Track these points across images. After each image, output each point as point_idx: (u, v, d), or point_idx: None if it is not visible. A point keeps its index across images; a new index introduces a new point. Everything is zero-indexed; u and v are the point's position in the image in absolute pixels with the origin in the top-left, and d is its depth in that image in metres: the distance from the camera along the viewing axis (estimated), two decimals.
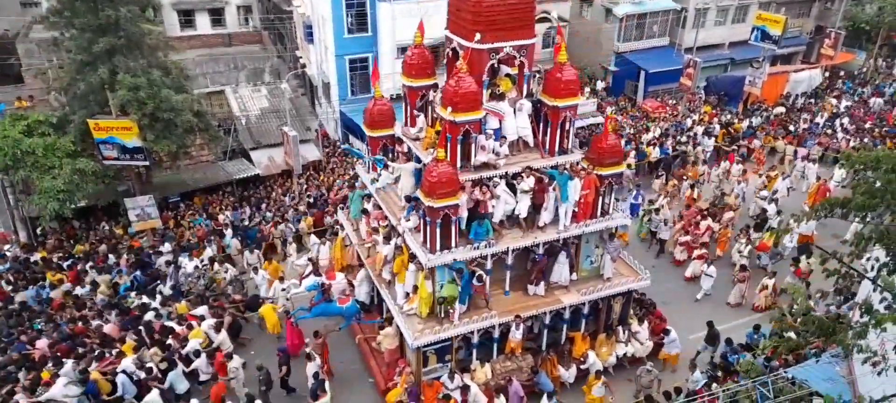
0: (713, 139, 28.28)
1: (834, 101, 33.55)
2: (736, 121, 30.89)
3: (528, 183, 13.48)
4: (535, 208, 13.87)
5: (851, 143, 26.86)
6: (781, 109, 32.50)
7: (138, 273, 18.85)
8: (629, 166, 24.99)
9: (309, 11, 31.72)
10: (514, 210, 13.69)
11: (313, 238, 20.12)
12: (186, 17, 38.08)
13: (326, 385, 14.05)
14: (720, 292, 18.64)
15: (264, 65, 35.78)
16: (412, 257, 13.71)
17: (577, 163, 14.12)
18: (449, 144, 12.89)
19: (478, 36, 12.77)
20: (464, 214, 13.17)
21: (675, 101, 35.07)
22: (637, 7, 35.19)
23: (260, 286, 18.42)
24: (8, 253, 21.14)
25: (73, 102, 22.10)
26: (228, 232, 21.22)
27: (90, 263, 19.54)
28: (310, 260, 18.14)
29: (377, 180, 15.20)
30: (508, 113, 13.58)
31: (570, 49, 37.24)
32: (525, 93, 13.89)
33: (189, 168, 26.17)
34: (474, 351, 14.49)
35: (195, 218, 23.32)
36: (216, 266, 19.19)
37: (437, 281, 13.55)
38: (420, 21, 14.49)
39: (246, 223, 22.51)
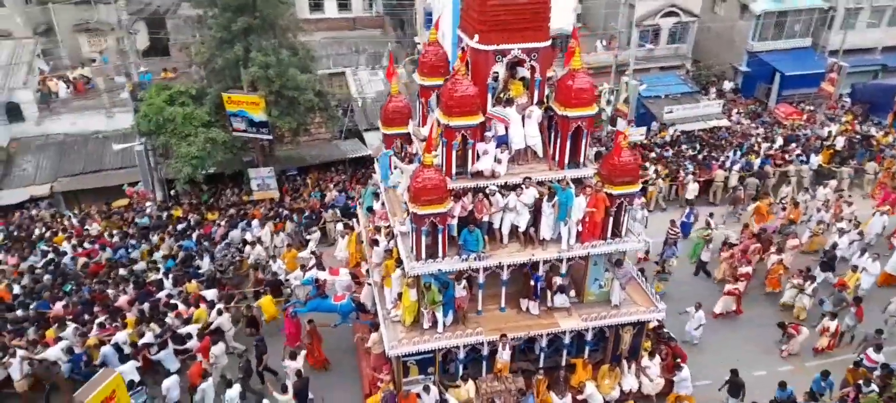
0: (818, 158, 24.66)
1: None
2: (878, 132, 27.65)
3: (530, 194, 12.53)
4: (536, 223, 12.88)
5: None
6: None
7: (185, 243, 19.49)
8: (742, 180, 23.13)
9: None
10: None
11: (339, 227, 19.76)
12: (316, 2, 39.84)
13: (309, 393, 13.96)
14: (766, 333, 16.55)
15: (384, 49, 36.80)
16: (400, 262, 13.13)
17: (589, 179, 12.91)
18: (444, 149, 12.16)
19: (476, 36, 11.94)
20: (454, 223, 12.43)
21: (813, 108, 32.21)
22: (778, 4, 32.61)
23: (280, 272, 18.20)
24: (148, 210, 23.25)
25: (210, 76, 23.80)
26: (328, 212, 21.69)
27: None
28: (313, 253, 17.94)
29: (388, 178, 14.64)
30: (515, 120, 12.55)
31: (699, 45, 35.49)
32: (536, 99, 12.83)
33: (307, 144, 27.44)
34: (461, 367, 13.70)
35: (312, 192, 24.40)
36: (248, 248, 19.15)
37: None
38: (437, 17, 13.73)
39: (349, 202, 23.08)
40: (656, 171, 23.70)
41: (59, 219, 23.15)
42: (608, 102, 29.73)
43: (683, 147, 27.14)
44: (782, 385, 13.92)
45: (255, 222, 20.58)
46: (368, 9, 41.50)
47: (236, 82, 22.27)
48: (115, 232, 21.42)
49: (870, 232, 19.67)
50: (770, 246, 18.81)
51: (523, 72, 12.81)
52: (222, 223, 21.07)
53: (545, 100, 12.86)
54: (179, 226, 20.96)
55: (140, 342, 14.40)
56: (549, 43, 12.41)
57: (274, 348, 15.20)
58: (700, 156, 25.57)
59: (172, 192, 24.67)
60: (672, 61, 33.97)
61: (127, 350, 14.27)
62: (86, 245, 20.06)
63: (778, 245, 18.75)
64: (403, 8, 39.17)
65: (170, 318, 15.29)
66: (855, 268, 17.49)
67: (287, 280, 17.63)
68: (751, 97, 34.59)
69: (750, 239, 18.90)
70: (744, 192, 22.56)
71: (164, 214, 22.62)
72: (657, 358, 14.70)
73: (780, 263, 18.00)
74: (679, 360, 14.89)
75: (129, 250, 19.56)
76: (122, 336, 14.40)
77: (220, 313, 15.59)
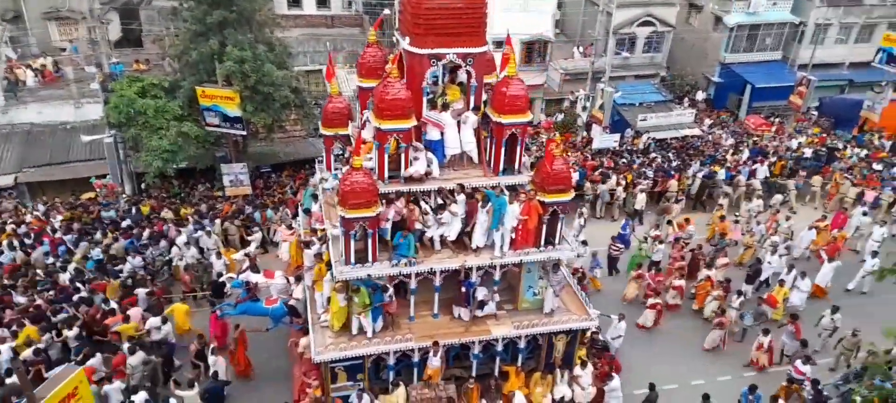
0: (767, 168, 25.02)
1: None
2: (841, 147, 28.34)
3: (461, 201, 12.53)
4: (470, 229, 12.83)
5: None
6: (886, 143, 28.98)
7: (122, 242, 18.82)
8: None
9: None
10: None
11: (280, 232, 19.20)
12: None
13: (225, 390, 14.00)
14: (695, 338, 17.12)
15: (362, 48, 36.63)
16: (330, 266, 13.01)
17: (524, 186, 12.94)
18: (377, 153, 12.11)
19: (407, 39, 11.90)
20: (387, 227, 12.38)
21: (780, 120, 32.95)
22: (750, 17, 33.31)
23: (224, 273, 17.65)
24: (119, 205, 22.76)
25: (184, 69, 23.43)
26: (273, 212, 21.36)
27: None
28: (246, 255, 17.68)
29: (326, 180, 14.54)
30: (450, 124, 12.56)
31: (673, 55, 36.11)
32: (473, 105, 12.79)
33: (281, 141, 27.19)
34: (392, 374, 13.59)
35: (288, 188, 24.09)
36: (175, 248, 18.63)
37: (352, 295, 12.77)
38: (379, 18, 13.79)
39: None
40: (617, 181, 23.69)
41: (21, 212, 22.50)
42: (584, 108, 30.05)
43: (653, 155, 27.47)
44: (705, 398, 14.08)
45: (217, 222, 20.22)
46: (348, 7, 41.26)
47: (210, 76, 21.96)
48: (74, 224, 20.69)
49: (799, 245, 19.89)
50: (699, 261, 18.97)
51: (462, 77, 12.66)
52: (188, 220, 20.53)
53: (482, 105, 12.75)
54: (123, 223, 20.26)
55: (26, 353, 13.69)
56: (485, 48, 12.35)
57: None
58: (665, 165, 25.83)
59: (142, 186, 24.22)
60: (647, 70, 34.46)
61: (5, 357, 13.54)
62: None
63: (708, 260, 18.83)
64: (383, 7, 39.06)
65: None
66: (782, 283, 17.76)
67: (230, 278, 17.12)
68: (722, 108, 35.24)
69: (679, 253, 19.08)
70: (673, 203, 22.73)
71: (133, 209, 22.16)
72: (589, 367, 14.70)
73: (708, 279, 18.02)
74: (613, 370, 15.03)
75: (75, 247, 18.87)
76: (4, 347, 13.78)
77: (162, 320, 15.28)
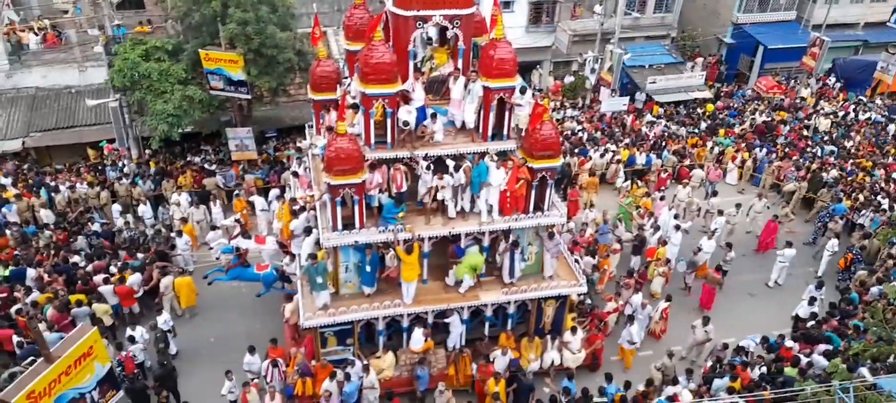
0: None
1: None
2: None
3: (459, 172, 12.45)
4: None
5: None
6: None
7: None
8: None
9: None
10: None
11: (272, 193, 19.51)
12: None
13: None
14: None
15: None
16: (308, 230, 13.11)
17: (513, 152, 12.81)
18: (363, 118, 11.96)
19: (389, 0, 11.61)
20: (374, 193, 12.33)
21: (792, 83, 32.39)
22: None
23: (184, 251, 17.97)
24: (125, 169, 22.79)
25: (187, 31, 23.12)
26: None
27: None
28: (237, 221, 17.70)
29: (314, 145, 14.38)
30: (458, 98, 12.43)
31: (685, 16, 35.33)
32: (461, 69, 12.59)
33: (287, 105, 26.95)
34: (381, 339, 13.74)
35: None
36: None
37: (341, 262, 12.81)
38: None
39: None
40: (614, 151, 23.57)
41: (23, 175, 22.54)
42: (592, 70, 29.60)
43: (667, 124, 27.17)
44: (608, 378, 14.06)
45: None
46: None
47: (214, 39, 21.67)
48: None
49: (663, 223, 19.46)
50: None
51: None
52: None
53: (476, 71, 12.44)
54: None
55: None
56: (472, 9, 12.03)
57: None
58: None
59: (147, 151, 24.17)
60: (657, 30, 33.79)
61: None
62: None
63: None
64: None
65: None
66: (665, 242, 18.16)
67: (173, 248, 17.57)
68: (733, 70, 34.66)
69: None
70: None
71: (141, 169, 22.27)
72: (579, 332, 14.81)
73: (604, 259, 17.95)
74: (604, 325, 15.41)
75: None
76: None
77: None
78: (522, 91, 12.66)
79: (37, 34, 29.24)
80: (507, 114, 12.64)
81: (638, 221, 19.67)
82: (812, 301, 16.48)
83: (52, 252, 17.15)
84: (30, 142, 24.71)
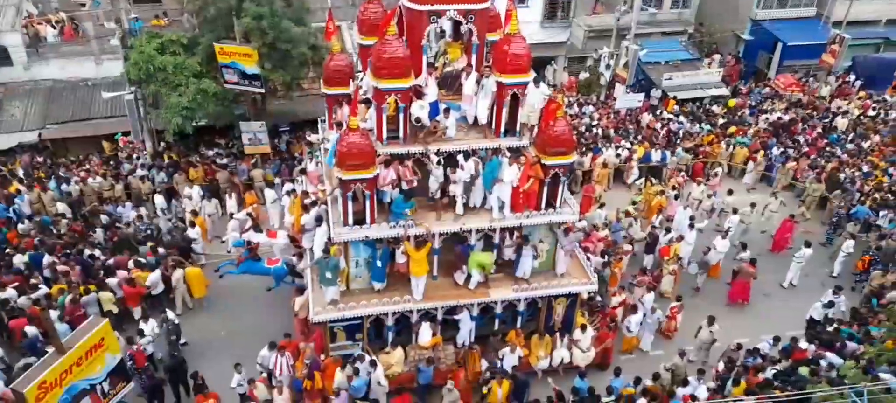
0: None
1: None
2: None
3: (469, 167, 12.37)
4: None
5: None
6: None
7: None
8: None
9: None
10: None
11: (284, 187, 19.46)
12: None
13: None
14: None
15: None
16: (306, 207, 13.17)
17: (526, 149, 12.69)
18: (375, 113, 11.91)
19: None
20: (386, 188, 12.25)
21: (812, 81, 31.89)
22: None
23: (196, 240, 18.10)
24: (140, 161, 22.99)
25: (202, 25, 23.21)
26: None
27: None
28: (249, 215, 17.66)
29: (327, 140, 14.35)
30: (470, 94, 12.36)
31: (702, 11, 34.98)
32: (474, 64, 12.51)
33: (300, 99, 26.99)
34: (390, 335, 13.69)
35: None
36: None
37: (351, 257, 12.78)
38: None
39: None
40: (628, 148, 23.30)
41: (36, 168, 22.80)
42: (607, 67, 29.36)
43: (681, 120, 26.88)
44: (617, 372, 13.95)
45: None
46: None
47: (229, 32, 21.73)
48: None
49: (676, 221, 19.24)
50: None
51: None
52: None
53: (490, 67, 12.34)
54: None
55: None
56: (487, 4, 11.92)
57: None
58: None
59: (162, 143, 24.34)
60: (675, 26, 33.43)
61: None
62: None
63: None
64: None
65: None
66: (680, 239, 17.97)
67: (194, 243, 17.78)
68: (752, 66, 34.20)
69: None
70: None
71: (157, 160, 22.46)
72: (589, 331, 14.68)
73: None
74: (614, 323, 15.30)
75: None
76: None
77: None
78: (535, 82, 12.56)
79: (54, 27, 29.57)
80: (519, 110, 12.53)
81: (633, 218, 19.25)
82: (830, 304, 16.18)
83: (69, 241, 17.32)
84: (46, 134, 25.01)
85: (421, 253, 12.56)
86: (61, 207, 19.49)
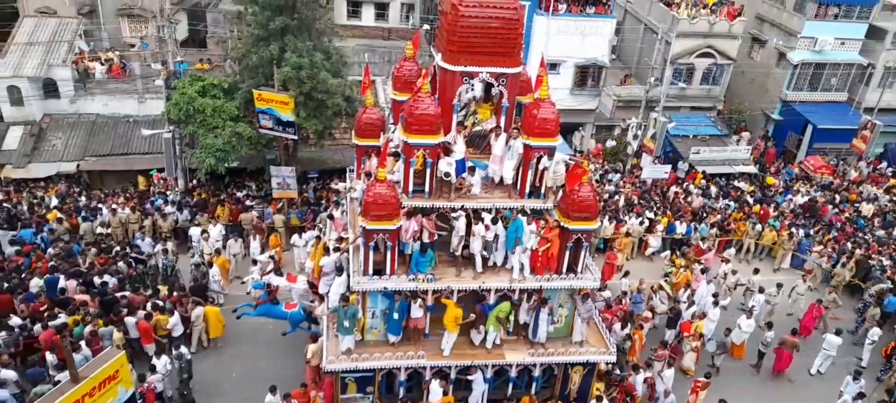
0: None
1: None
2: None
3: (496, 228, 12.52)
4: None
5: None
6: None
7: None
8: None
9: None
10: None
11: (307, 235, 19.65)
12: (354, 8, 40.23)
13: None
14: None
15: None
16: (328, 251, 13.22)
17: (549, 212, 12.82)
18: (403, 166, 12.14)
19: (439, 55, 11.93)
20: (408, 241, 12.32)
21: (842, 165, 31.63)
22: (816, 55, 32.16)
23: (215, 281, 18.22)
24: (171, 197, 23.52)
25: (244, 72, 24.06)
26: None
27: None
28: (271, 257, 17.81)
29: (354, 189, 14.62)
30: (498, 154, 12.58)
31: (732, 89, 35.16)
32: (503, 125, 12.80)
33: (331, 148, 27.54)
34: (402, 390, 13.53)
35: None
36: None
37: (369, 307, 12.77)
38: (416, 33, 13.71)
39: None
40: (650, 219, 23.18)
41: (72, 198, 23.40)
42: (635, 136, 29.53)
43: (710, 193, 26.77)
44: None
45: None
46: (405, 20, 41.79)
47: (268, 80, 22.49)
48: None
49: (699, 297, 18.80)
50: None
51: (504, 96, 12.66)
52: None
53: (518, 129, 12.60)
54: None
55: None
56: (519, 69, 12.29)
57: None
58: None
59: (194, 182, 24.93)
60: (704, 102, 33.66)
61: None
62: None
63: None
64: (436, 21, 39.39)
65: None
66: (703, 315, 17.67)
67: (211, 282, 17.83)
68: (780, 147, 34.10)
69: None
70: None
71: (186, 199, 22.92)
72: (605, 402, 14.32)
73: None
74: (631, 398, 14.78)
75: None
76: None
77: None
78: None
79: (104, 64, 30.89)
80: (544, 172, 12.70)
81: (666, 293, 19.02)
82: (860, 395, 15.62)
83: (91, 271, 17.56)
84: (84, 166, 25.82)
85: (459, 309, 12.56)
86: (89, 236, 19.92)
